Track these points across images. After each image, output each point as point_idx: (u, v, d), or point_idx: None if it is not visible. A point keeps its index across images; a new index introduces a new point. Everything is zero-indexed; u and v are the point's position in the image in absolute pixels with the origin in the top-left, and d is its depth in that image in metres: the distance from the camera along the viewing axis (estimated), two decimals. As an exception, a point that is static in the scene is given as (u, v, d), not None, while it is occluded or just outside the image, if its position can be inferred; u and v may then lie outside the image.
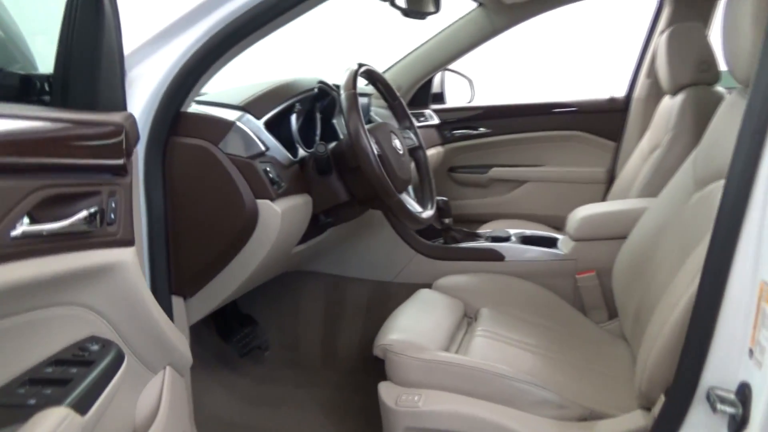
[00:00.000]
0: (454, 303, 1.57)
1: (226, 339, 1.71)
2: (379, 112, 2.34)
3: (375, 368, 1.81)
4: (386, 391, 1.20)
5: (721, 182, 1.18)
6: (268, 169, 1.17)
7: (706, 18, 2.14)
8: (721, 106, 1.32)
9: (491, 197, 2.67)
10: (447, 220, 1.85)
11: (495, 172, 2.63)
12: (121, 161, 0.74)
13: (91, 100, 0.78)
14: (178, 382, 0.95)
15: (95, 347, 0.67)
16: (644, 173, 1.92)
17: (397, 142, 1.41)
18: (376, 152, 1.26)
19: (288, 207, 1.22)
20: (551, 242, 1.79)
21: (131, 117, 0.87)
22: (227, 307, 1.80)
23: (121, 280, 0.73)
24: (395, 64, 2.55)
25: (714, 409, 0.82)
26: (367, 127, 1.36)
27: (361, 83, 1.55)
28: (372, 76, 1.45)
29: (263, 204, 1.13)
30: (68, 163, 0.63)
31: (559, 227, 2.55)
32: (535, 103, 2.59)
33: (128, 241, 0.75)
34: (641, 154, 2.13)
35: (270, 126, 1.33)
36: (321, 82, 1.46)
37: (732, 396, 0.82)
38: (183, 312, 1.21)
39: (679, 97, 1.85)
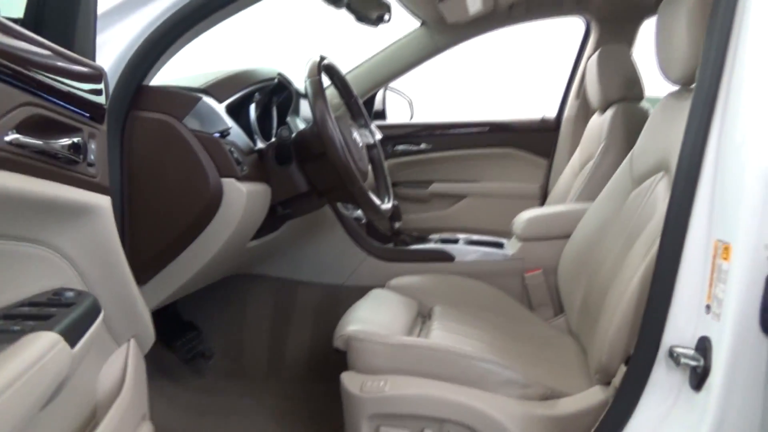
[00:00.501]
0: (407, 301, 1.57)
1: (169, 344, 1.61)
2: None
3: (324, 375, 1.77)
4: (349, 380, 1.17)
5: (659, 175, 1.30)
6: (232, 149, 1.14)
7: (630, 41, 2.34)
8: (654, 109, 1.44)
9: (432, 212, 2.72)
10: (397, 224, 1.87)
11: (435, 187, 2.70)
12: (102, 102, 0.70)
13: (67, 46, 0.74)
14: (140, 360, 0.89)
15: (70, 294, 0.61)
16: (579, 183, 2.04)
17: (356, 135, 1.43)
18: (342, 141, 1.27)
19: (250, 191, 1.19)
20: (497, 245, 1.85)
21: (103, 71, 0.83)
22: (169, 312, 1.71)
23: (97, 227, 0.69)
24: (337, 80, 2.58)
25: (677, 363, 0.87)
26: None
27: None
28: (331, 71, 1.47)
29: (228, 183, 1.10)
30: (56, 86, 0.59)
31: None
32: (472, 122, 2.70)
33: (106, 189, 0.71)
34: (572, 169, 2.27)
35: (230, 111, 1.31)
36: (280, 74, 1.46)
37: (692, 351, 0.87)
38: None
39: (609, 112, 2.00)
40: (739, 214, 0.80)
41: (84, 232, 0.66)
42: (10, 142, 0.49)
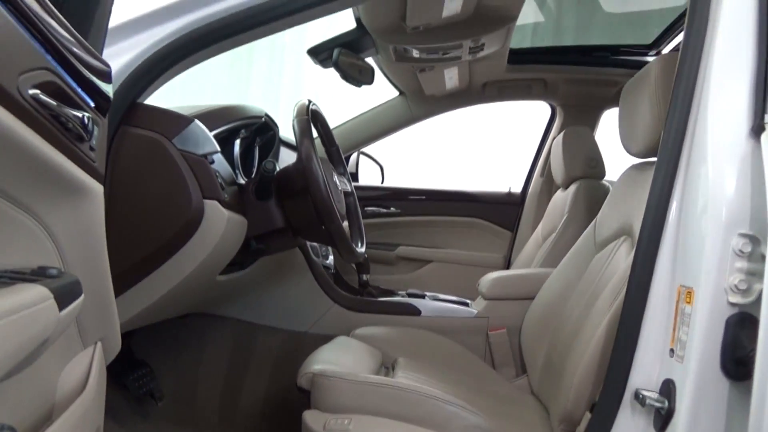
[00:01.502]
0: (372, 350, 1.56)
1: (119, 379, 1.53)
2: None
3: (279, 424, 1.70)
4: (312, 419, 1.14)
5: (621, 239, 1.37)
6: (217, 173, 1.16)
7: (592, 124, 2.52)
8: (617, 181, 1.54)
9: (398, 274, 2.74)
10: (365, 277, 1.87)
11: (402, 250, 2.73)
12: (108, 92, 0.72)
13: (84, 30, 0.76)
14: (102, 366, 0.85)
15: (54, 271, 0.60)
16: (542, 251, 2.12)
17: (335, 179, 1.47)
18: (324, 177, 1.30)
19: (230, 217, 1.19)
20: (463, 304, 1.87)
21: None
22: (121, 348, 1.63)
23: (88, 211, 0.68)
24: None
25: (643, 404, 0.89)
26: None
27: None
28: (316, 117, 1.52)
29: (210, 204, 1.10)
30: (73, 65, 0.61)
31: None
32: (441, 190, 2.79)
33: (101, 177, 0.71)
34: (536, 241, 2.36)
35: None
36: (267, 114, 1.51)
37: (656, 394, 0.90)
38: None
39: (572, 188, 2.12)
40: (702, 260, 0.86)
41: (74, 212, 0.66)
42: (33, 96, 0.50)
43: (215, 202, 1.11)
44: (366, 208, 2.77)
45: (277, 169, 1.28)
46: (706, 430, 0.83)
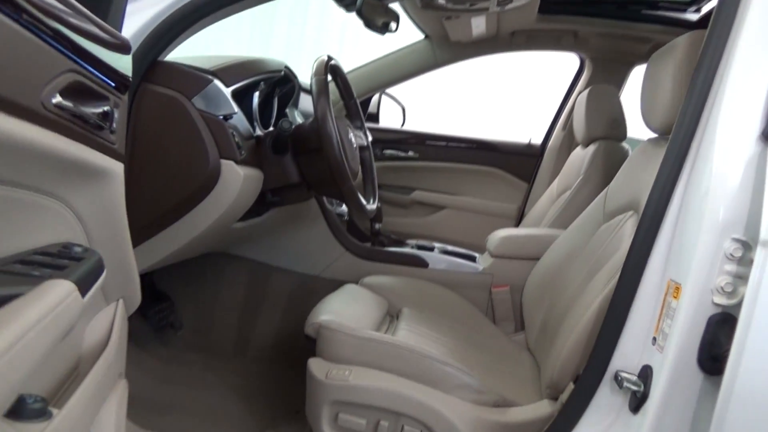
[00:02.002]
0: (378, 299, 1.64)
1: (142, 312, 1.65)
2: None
3: (288, 360, 1.83)
4: (316, 366, 1.23)
5: (629, 213, 1.39)
6: (234, 132, 1.19)
7: (619, 83, 2.46)
8: (633, 152, 1.53)
9: (411, 218, 2.79)
10: (377, 225, 1.93)
11: (417, 194, 2.77)
12: (128, 74, 0.75)
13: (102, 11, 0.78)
14: (124, 319, 0.93)
15: (78, 249, 0.66)
16: (553, 210, 2.14)
17: (351, 136, 1.49)
18: (338, 138, 1.33)
19: (247, 175, 1.24)
20: (470, 258, 1.93)
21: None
22: (144, 281, 1.74)
23: (109, 190, 0.73)
24: (337, 78, 2.64)
25: (620, 386, 0.95)
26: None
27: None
28: (336, 72, 1.53)
29: (227, 164, 1.15)
30: (93, 54, 0.64)
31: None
32: (461, 137, 2.78)
33: (122, 156, 0.75)
34: (550, 196, 2.37)
35: (234, 96, 1.36)
36: (287, 67, 1.51)
37: (635, 377, 0.95)
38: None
39: (591, 148, 2.10)
40: (693, 258, 0.89)
41: (97, 193, 0.71)
42: (56, 105, 0.54)
43: (231, 162, 1.15)
44: (384, 151, 2.79)
45: (294, 125, 1.31)
46: (675, 417, 0.89)
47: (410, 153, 2.79)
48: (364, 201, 1.49)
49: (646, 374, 0.94)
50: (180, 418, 1.47)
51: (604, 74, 2.44)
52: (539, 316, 1.57)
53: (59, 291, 0.52)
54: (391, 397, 1.17)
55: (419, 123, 2.94)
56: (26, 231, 0.63)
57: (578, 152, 2.27)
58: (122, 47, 0.76)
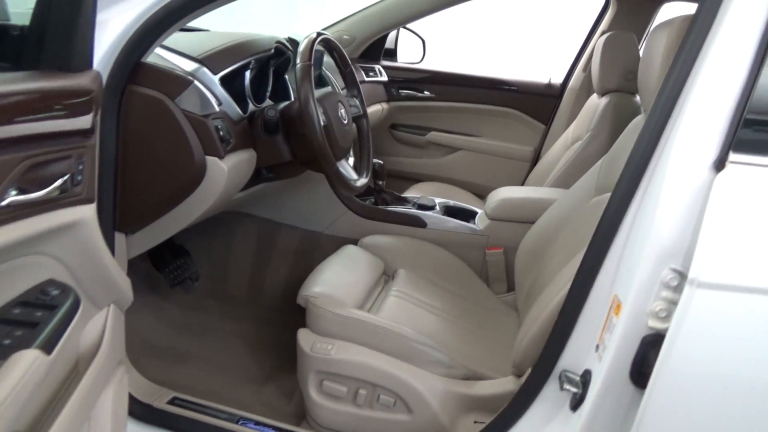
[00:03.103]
0: (375, 261, 1.73)
1: (159, 268, 1.81)
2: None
3: (295, 309, 1.98)
4: (304, 338, 1.36)
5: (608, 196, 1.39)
6: (219, 126, 1.24)
7: (641, 30, 2.31)
8: (632, 123, 1.50)
9: (426, 158, 2.82)
10: (380, 182, 1.98)
11: (433, 135, 2.77)
12: (89, 125, 0.81)
13: (66, 58, 0.83)
14: (118, 319, 1.06)
15: (55, 292, 0.77)
16: (561, 163, 2.12)
17: (342, 112, 1.51)
18: (322, 122, 1.36)
19: (234, 163, 1.31)
20: (470, 215, 1.98)
21: (98, 77, 0.93)
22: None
23: (82, 233, 0.82)
24: (354, 14, 2.58)
25: (561, 387, 1.04)
26: (317, 94, 1.45)
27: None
28: (329, 45, 1.52)
29: (212, 161, 1.21)
30: (46, 131, 0.70)
31: (483, 195, 2.76)
32: (479, 76, 2.71)
33: (90, 199, 0.84)
34: (564, 141, 2.33)
35: (224, 80, 1.39)
36: (278, 42, 1.52)
37: (577, 378, 1.03)
38: (124, 247, 1.30)
39: (604, 100, 2.04)
40: (634, 279, 0.93)
41: (71, 238, 0.80)
42: (9, 204, 0.61)
43: (215, 159, 1.22)
44: (400, 91, 2.77)
45: (277, 111, 1.35)
46: (605, 422, 0.97)
47: (426, 93, 2.75)
48: (353, 176, 1.54)
49: (586, 378, 1.01)
50: (193, 366, 1.66)
51: (631, 13, 2.29)
52: (528, 281, 1.63)
53: (25, 362, 0.63)
54: (369, 371, 1.30)
55: (437, 60, 2.86)
56: (10, 286, 0.73)
57: (594, 100, 2.20)
58: (84, 101, 0.82)
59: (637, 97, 2.05)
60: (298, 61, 1.35)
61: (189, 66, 1.30)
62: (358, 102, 1.66)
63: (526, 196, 1.85)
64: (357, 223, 1.90)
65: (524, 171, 2.67)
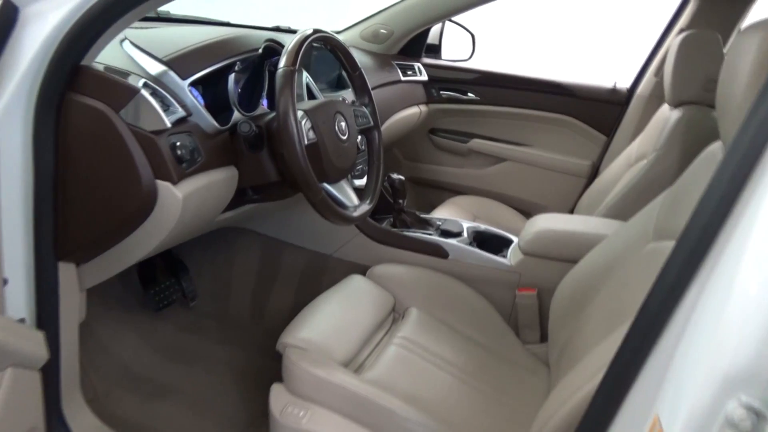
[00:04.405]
0: (383, 296, 1.49)
1: (145, 287, 1.64)
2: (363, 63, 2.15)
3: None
4: (276, 396, 1.14)
5: (670, 246, 1.08)
6: (178, 143, 1.03)
7: (729, 29, 1.92)
8: (703, 153, 1.17)
9: (467, 168, 2.53)
10: (400, 201, 1.73)
11: (476, 143, 2.48)
12: None
13: None
14: (23, 380, 0.88)
15: None
16: (620, 186, 1.79)
17: (342, 125, 1.27)
18: (305, 140, 1.13)
19: (199, 187, 1.10)
20: (503, 243, 1.69)
21: None
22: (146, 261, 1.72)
23: None
24: (393, 5, 2.31)
25: None
26: (308, 105, 1.21)
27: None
28: (329, 43, 1.28)
29: (163, 186, 1.01)
30: None
31: (530, 213, 2.45)
32: (531, 78, 2.39)
33: None
34: (627, 158, 1.99)
35: (201, 86, 1.19)
36: (270, 40, 1.28)
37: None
38: (74, 278, 1.13)
39: (676, 113, 1.69)
40: (682, 403, 0.64)
41: None
42: None
43: (167, 184, 1.01)
44: (441, 92, 2.49)
45: (253, 126, 1.12)
46: None
47: (470, 95, 2.46)
48: (352, 202, 1.29)
49: None
50: (172, 402, 1.48)
51: (715, 8, 1.90)
52: (563, 336, 1.34)
53: None
54: (345, 449, 1.06)
55: (486, 62, 2.55)
56: None
57: (665, 111, 1.85)
58: None
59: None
60: (280, 64, 1.11)
61: (154, 68, 1.10)
62: (368, 112, 1.41)
63: (570, 230, 1.54)
64: (369, 248, 1.66)
65: (578, 188, 2.33)
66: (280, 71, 1.10)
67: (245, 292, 1.82)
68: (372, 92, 2.03)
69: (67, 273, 1.10)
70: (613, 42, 3.11)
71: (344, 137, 1.26)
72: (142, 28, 1.30)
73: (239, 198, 1.31)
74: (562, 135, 2.37)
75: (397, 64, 2.32)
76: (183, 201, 1.03)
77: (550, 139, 2.39)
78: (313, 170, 1.21)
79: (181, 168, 1.04)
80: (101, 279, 1.16)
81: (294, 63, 1.11)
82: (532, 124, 2.40)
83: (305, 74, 1.54)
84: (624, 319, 1.04)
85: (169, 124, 0.99)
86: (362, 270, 1.61)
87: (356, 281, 1.51)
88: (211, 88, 1.25)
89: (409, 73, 2.35)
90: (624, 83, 2.28)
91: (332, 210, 1.18)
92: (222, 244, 1.80)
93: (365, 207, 1.32)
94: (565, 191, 2.35)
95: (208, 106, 1.27)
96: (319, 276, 1.73)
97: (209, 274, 1.83)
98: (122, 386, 1.49)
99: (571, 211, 2.30)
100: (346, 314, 1.36)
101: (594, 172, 2.32)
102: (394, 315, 1.50)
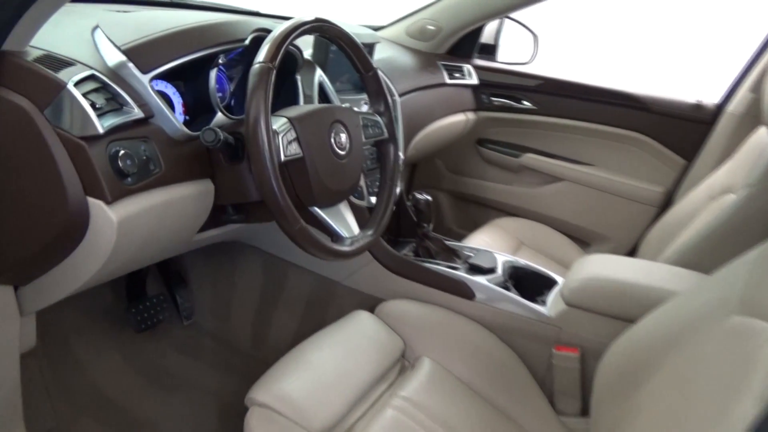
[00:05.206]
0: (391, 341, 1.25)
1: (131, 301, 1.47)
2: (404, 62, 1.90)
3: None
4: None
5: (764, 328, 0.78)
6: (122, 152, 0.83)
7: None
8: None
9: (517, 186, 2.23)
10: (425, 225, 1.48)
11: (529, 159, 2.17)
12: None
13: None
14: None
15: None
16: (700, 225, 1.45)
17: (342, 137, 1.03)
18: (282, 155, 0.90)
19: (152, 205, 0.89)
20: (545, 284, 1.40)
21: None
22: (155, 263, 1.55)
23: None
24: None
25: None
26: (295, 111, 0.98)
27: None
28: (331, 33, 1.04)
29: (95, 206, 0.81)
30: None
31: (587, 242, 2.12)
32: (599, 87, 2.06)
33: None
34: (710, 189, 1.64)
35: (185, 81, 0.99)
36: (261, 30, 1.06)
37: None
38: (12, 301, 0.95)
39: (779, 141, 1.34)
40: None
41: None
42: None
43: (100, 203, 0.81)
44: (492, 99, 2.21)
45: (220, 136, 0.90)
46: None
47: (526, 103, 2.16)
48: (351, 232, 1.05)
49: None
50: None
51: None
52: (608, 417, 1.05)
53: None
54: None
55: (546, 65, 2.24)
56: None
57: (762, 135, 1.50)
58: None
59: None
60: (257, 58, 0.89)
61: (113, 59, 0.90)
62: (383, 121, 1.17)
63: (629, 280, 1.23)
64: (383, 278, 1.42)
65: (647, 219, 1.99)
66: (254, 68, 0.88)
67: (246, 314, 1.63)
68: (410, 95, 1.79)
69: (4, 296, 0.93)
70: (700, 50, 2.69)
71: (342, 152, 1.03)
72: (122, 11, 1.11)
73: (218, 217, 1.10)
74: (631, 155, 2.03)
75: (443, 65, 2.06)
76: (119, 225, 0.82)
77: (616, 158, 2.05)
78: (297, 191, 0.99)
79: (123, 183, 0.83)
80: (46, 303, 0.98)
81: (273, 59, 0.88)
82: (597, 141, 2.07)
83: (319, 73, 1.32)
84: (699, 419, 0.76)
85: (101, 130, 0.78)
86: (373, 303, 1.37)
87: (361, 319, 1.28)
88: (195, 86, 1.05)
89: (456, 75, 2.09)
90: (711, 98, 1.92)
91: (315, 243, 0.95)
92: (224, 258, 1.61)
93: (366, 239, 1.07)
94: (630, 221, 2.01)
95: (189, 107, 1.07)
96: (324, 305, 1.51)
97: (210, 290, 1.65)
98: (90, 414, 1.32)
99: (636, 246, 1.96)
100: (341, 362, 1.13)
101: (667, 202, 1.97)
102: (403, 363, 1.26)
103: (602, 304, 1.22)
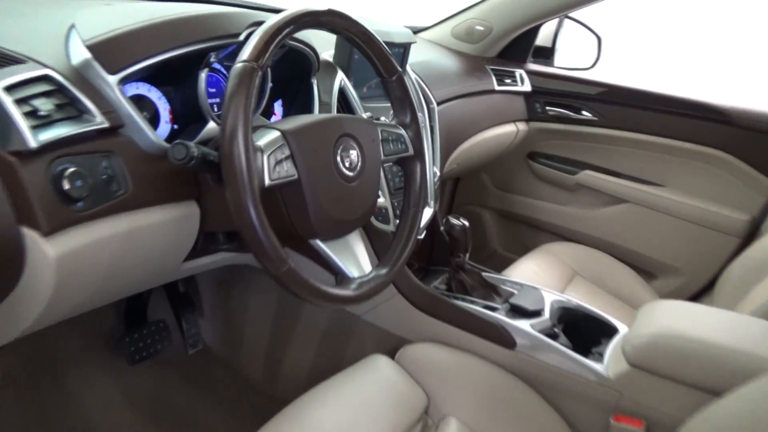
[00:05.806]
0: (413, 395, 1.05)
1: (129, 328, 1.33)
2: (446, 66, 1.70)
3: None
4: None
5: None
6: (70, 170, 0.67)
7: None
8: None
9: (573, 207, 1.98)
10: (460, 256, 1.27)
11: (587, 176, 1.92)
12: None
13: None
14: None
15: None
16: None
17: (352, 154, 0.84)
18: (267, 178, 0.72)
19: (113, 234, 0.73)
20: (603, 331, 1.17)
21: None
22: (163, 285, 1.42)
23: None
24: (494, -4, 1.84)
25: None
26: (290, 123, 0.80)
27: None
28: (342, 28, 0.85)
29: (30, 238, 0.65)
30: None
31: (653, 274, 1.86)
32: (673, 97, 1.79)
33: None
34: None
35: (174, 84, 0.83)
36: (257, 23, 0.88)
37: None
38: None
39: None
40: None
41: None
42: None
43: (34, 234, 0.65)
44: (547, 108, 1.97)
45: (196, 151, 0.72)
46: None
47: (585, 114, 1.91)
48: (352, 275, 0.86)
49: None
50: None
51: None
52: None
53: None
54: None
55: (610, 71, 1.99)
56: None
57: None
58: None
59: None
60: (239, 57, 0.71)
61: (78, 56, 0.75)
62: (408, 134, 0.97)
63: (711, 340, 0.97)
64: (408, 316, 1.22)
65: (728, 251, 1.71)
66: (234, 68, 0.70)
67: (259, 343, 1.46)
68: (451, 103, 1.59)
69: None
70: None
71: (351, 173, 0.84)
72: (106, 4, 0.97)
73: (209, 245, 0.94)
74: (710, 176, 1.75)
75: (493, 70, 1.84)
76: (59, 261, 0.66)
77: (692, 179, 1.78)
78: (293, 221, 0.80)
79: (69, 209, 0.67)
80: (15, 334, 0.83)
81: (259, 57, 0.70)
82: (668, 158, 1.80)
83: (341, 77, 1.14)
84: None
85: (32, 144, 0.62)
86: (395, 343, 1.18)
87: (378, 366, 1.09)
88: (186, 90, 0.89)
89: (506, 81, 1.87)
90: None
91: (308, 288, 0.76)
92: (237, 280, 1.46)
93: (377, 280, 0.87)
94: (707, 253, 1.73)
95: (177, 115, 0.91)
96: (343, 340, 1.32)
97: (221, 315, 1.50)
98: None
99: (714, 281, 1.68)
100: (349, 421, 0.94)
101: (753, 232, 1.68)
102: (425, 421, 1.05)
103: (676, 368, 0.97)
